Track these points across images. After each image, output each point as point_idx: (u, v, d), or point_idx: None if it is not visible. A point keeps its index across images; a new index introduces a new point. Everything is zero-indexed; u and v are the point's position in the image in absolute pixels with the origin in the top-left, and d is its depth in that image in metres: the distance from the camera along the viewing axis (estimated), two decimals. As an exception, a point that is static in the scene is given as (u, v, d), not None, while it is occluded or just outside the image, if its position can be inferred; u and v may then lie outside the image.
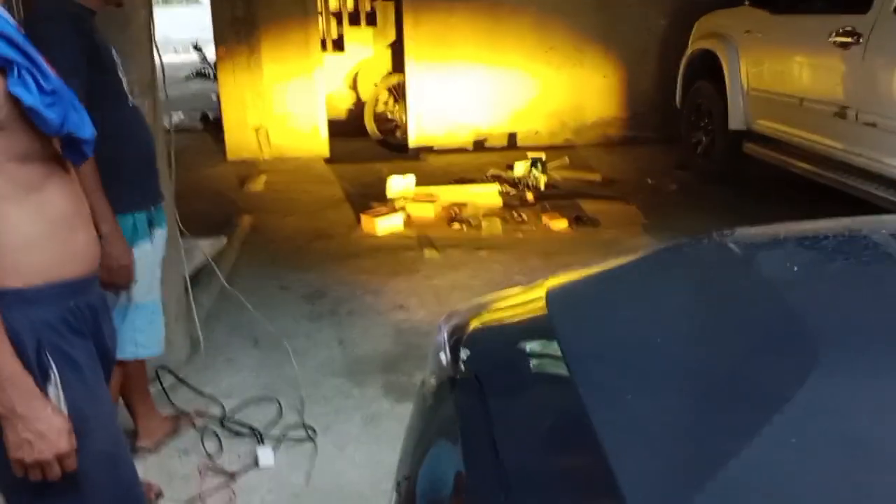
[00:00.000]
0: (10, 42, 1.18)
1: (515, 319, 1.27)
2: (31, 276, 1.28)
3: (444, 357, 1.22)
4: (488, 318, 1.28)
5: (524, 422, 0.97)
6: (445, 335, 1.29)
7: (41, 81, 1.21)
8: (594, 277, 1.25)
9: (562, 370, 0.97)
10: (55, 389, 1.29)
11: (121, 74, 2.14)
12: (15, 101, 1.20)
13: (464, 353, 1.15)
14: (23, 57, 1.19)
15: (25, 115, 1.22)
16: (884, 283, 1.14)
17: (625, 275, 1.23)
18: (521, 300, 1.30)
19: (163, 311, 2.52)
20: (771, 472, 0.74)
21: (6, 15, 1.23)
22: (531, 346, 1.14)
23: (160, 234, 2.35)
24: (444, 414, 1.12)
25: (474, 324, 1.26)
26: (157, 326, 2.41)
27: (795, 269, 1.18)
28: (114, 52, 2.15)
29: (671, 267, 1.22)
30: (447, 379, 1.16)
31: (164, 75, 2.87)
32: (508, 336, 1.22)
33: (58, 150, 1.35)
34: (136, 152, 2.23)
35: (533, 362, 1.10)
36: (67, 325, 1.34)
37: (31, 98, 1.19)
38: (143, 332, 2.32)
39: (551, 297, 1.18)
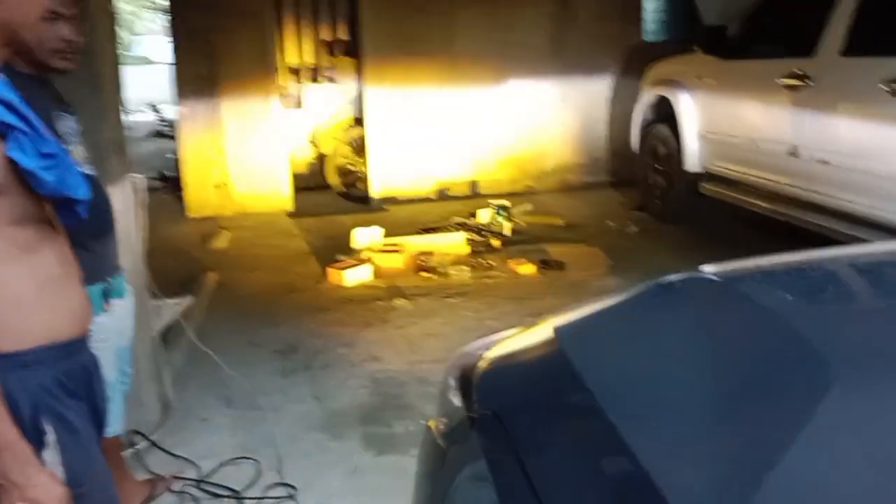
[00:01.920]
0: (9, 107, 1.20)
1: (525, 357, 1.28)
2: (26, 339, 1.28)
3: (456, 398, 1.22)
4: (497, 357, 1.29)
5: (558, 455, 0.97)
6: (454, 376, 1.29)
7: (39, 145, 1.23)
8: (601, 313, 1.27)
9: (588, 402, 0.98)
10: (52, 454, 1.27)
11: (69, 145, 1.99)
12: (13, 164, 1.21)
13: (478, 393, 1.15)
14: (21, 121, 1.21)
15: (23, 179, 1.23)
16: (877, 305, 1.18)
17: (628, 310, 1.26)
18: (527, 338, 1.31)
19: (128, 384, 2.45)
20: (807, 487, 0.76)
21: (5, 80, 1.24)
22: (548, 381, 1.14)
23: (120, 305, 2.27)
24: (464, 454, 1.11)
25: (483, 364, 1.26)
26: (117, 403, 2.32)
27: (791, 297, 1.21)
28: (64, 119, 2.03)
29: (672, 300, 1.25)
30: (464, 419, 1.16)
31: (131, 133, 2.86)
32: (522, 373, 1.23)
33: (50, 212, 1.36)
34: (86, 224, 2.14)
35: (553, 397, 1.10)
36: (62, 387, 1.33)
37: (29, 162, 1.21)
38: None
39: (562, 333, 1.20)
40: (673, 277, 1.27)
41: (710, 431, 0.88)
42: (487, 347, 1.33)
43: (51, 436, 1.28)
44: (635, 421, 0.92)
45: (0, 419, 1.19)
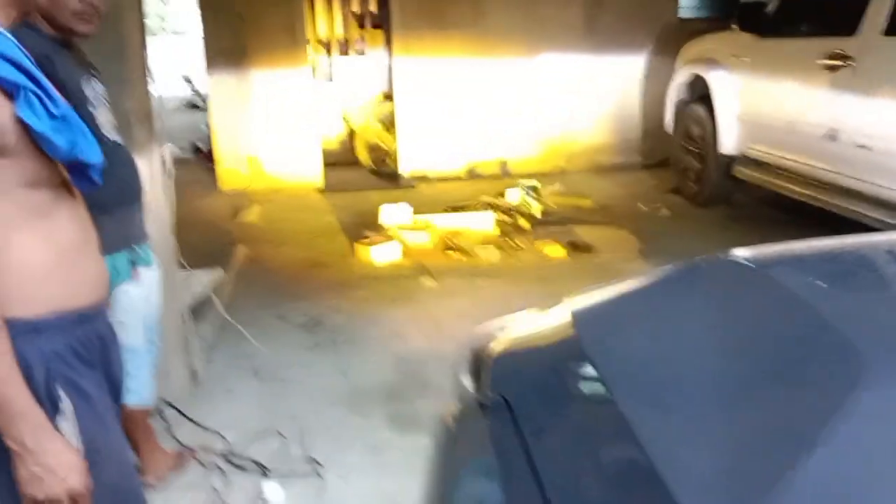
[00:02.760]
0: (19, 67, 1.17)
1: (540, 341, 1.25)
2: (40, 305, 1.25)
3: (468, 381, 1.20)
4: (511, 340, 1.26)
5: (563, 444, 0.95)
6: (467, 359, 1.27)
7: (49, 106, 1.19)
8: (621, 297, 1.24)
9: (599, 390, 0.96)
10: (67, 421, 1.26)
11: (93, 108, 2.04)
12: (23, 126, 1.18)
13: (489, 377, 1.13)
14: (31, 82, 1.18)
15: (34, 141, 1.20)
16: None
17: (651, 293, 1.22)
18: (543, 322, 1.29)
19: (156, 354, 2.48)
20: (831, 484, 0.73)
21: (14, 40, 1.21)
22: (561, 367, 1.12)
23: (147, 273, 2.29)
24: (473, 439, 1.10)
25: (497, 347, 1.24)
26: (145, 371, 2.35)
27: (822, 284, 1.17)
28: (89, 82, 2.05)
29: (695, 285, 1.21)
30: (474, 403, 1.14)
31: (161, 104, 2.86)
32: (535, 358, 1.21)
33: (65, 177, 1.33)
34: (112, 190, 2.01)
35: (565, 383, 1.08)
36: (77, 355, 1.31)
37: (39, 123, 1.17)
38: (132, 378, 2.18)
39: (579, 317, 1.17)
40: (698, 261, 1.24)
41: (726, 426, 0.85)
42: (502, 329, 1.31)
43: (65, 403, 1.27)
44: (647, 413, 0.89)
45: (13, 385, 1.17)
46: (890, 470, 0.75)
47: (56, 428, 1.24)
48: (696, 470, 0.79)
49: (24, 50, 1.21)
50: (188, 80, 9.58)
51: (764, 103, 5.01)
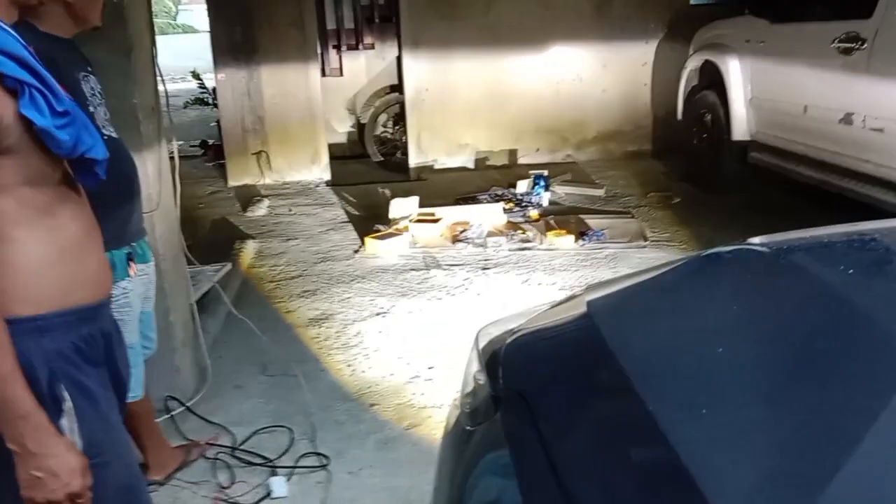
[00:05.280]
0: (22, 63, 1.15)
1: (555, 333, 1.21)
2: (42, 303, 1.24)
3: (481, 376, 1.16)
4: (525, 333, 1.22)
5: (585, 440, 0.91)
6: (479, 353, 1.23)
7: (53, 103, 1.18)
8: (638, 287, 1.19)
9: (619, 382, 0.91)
10: (69, 422, 1.25)
11: (92, 107, 2.03)
12: (27, 123, 1.16)
13: (504, 371, 1.09)
14: (34, 78, 1.16)
15: (37, 138, 1.19)
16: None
17: (669, 283, 1.17)
18: (557, 313, 1.24)
19: (153, 349, 2.48)
20: (878, 489, 0.68)
21: (17, 36, 1.19)
22: (579, 359, 1.07)
23: (143, 269, 2.27)
24: (488, 436, 1.06)
25: (510, 340, 1.20)
26: (139, 369, 2.34)
27: (850, 272, 1.11)
28: (87, 80, 2.03)
29: (717, 275, 1.16)
30: (488, 398, 1.10)
31: (167, 100, 2.84)
32: (551, 351, 1.16)
33: (69, 173, 1.32)
34: (108, 187, 2.11)
35: (583, 376, 1.04)
36: (80, 353, 1.29)
37: (43, 120, 1.16)
38: None
39: (595, 308, 1.12)
40: (719, 249, 1.19)
41: (759, 420, 0.80)
42: (516, 322, 1.26)
43: (68, 403, 1.25)
44: (673, 405, 0.84)
45: (15, 386, 1.15)
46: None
47: (58, 428, 1.23)
48: (732, 472, 0.74)
49: (27, 46, 1.20)
50: (197, 77, 9.58)
51: (777, 88, 4.93)
